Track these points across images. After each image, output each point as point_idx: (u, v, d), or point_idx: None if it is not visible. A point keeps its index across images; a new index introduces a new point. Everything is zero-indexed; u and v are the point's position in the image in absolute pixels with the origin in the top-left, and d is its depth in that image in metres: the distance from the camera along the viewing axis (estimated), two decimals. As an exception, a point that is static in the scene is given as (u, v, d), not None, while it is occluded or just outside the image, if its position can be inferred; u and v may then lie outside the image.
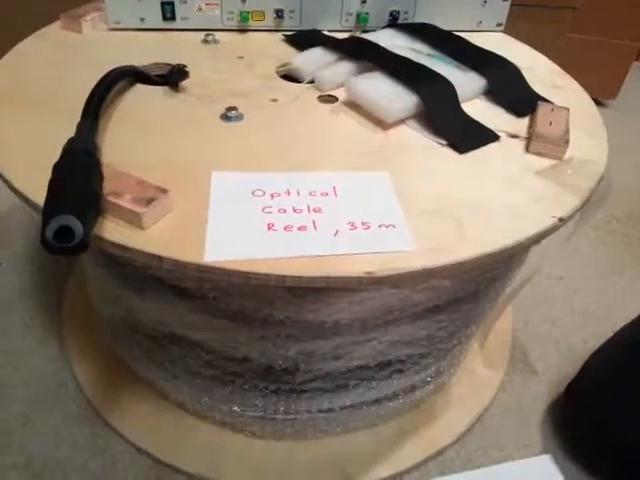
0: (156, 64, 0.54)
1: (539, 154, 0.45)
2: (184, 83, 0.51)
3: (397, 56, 0.52)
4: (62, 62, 0.53)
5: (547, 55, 0.65)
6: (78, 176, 0.33)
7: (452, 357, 0.55)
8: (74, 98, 0.44)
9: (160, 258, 0.33)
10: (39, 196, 0.35)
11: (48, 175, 0.34)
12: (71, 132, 0.40)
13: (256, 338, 0.42)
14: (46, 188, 0.32)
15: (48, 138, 0.41)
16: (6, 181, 0.38)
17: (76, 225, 0.28)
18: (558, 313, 0.77)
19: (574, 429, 0.60)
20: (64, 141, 0.38)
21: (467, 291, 0.44)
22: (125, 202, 0.34)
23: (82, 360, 0.61)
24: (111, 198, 0.34)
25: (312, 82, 0.53)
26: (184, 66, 0.50)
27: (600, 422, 0.55)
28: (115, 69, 0.46)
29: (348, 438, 0.56)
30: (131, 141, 0.42)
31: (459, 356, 0.57)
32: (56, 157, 0.36)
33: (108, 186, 0.35)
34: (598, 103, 0.56)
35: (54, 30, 0.60)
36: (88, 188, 0.32)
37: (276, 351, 0.44)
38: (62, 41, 0.57)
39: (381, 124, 0.47)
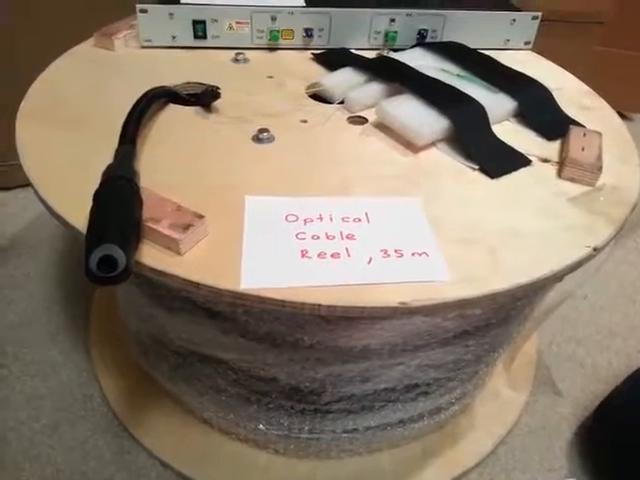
0: (188, 83, 0.55)
1: (571, 180, 0.45)
2: (216, 103, 0.51)
3: (427, 78, 0.53)
4: (96, 80, 0.54)
5: (574, 70, 0.64)
6: (119, 204, 0.33)
7: (477, 379, 0.55)
8: (109, 117, 0.46)
9: (197, 284, 0.34)
10: (77, 220, 0.36)
11: (86, 197, 0.35)
12: (107, 152, 0.41)
13: (285, 360, 0.43)
14: (87, 216, 0.33)
15: (86, 158, 0.42)
16: (45, 203, 0.39)
17: (119, 254, 0.29)
18: (582, 333, 0.76)
19: (603, 454, 0.59)
20: (101, 161, 0.39)
21: (497, 317, 0.44)
22: (163, 228, 0.35)
23: (108, 373, 0.62)
24: (150, 224, 0.35)
25: (342, 102, 0.54)
26: (217, 88, 0.51)
27: (633, 447, 0.54)
28: (150, 91, 0.47)
29: (371, 458, 0.56)
30: (165, 163, 0.43)
31: (484, 378, 0.57)
32: (93, 178, 0.37)
33: (146, 212, 0.36)
34: (623, 117, 0.55)
35: (87, 48, 0.61)
36: (129, 216, 0.33)
37: (304, 373, 0.44)
38: (95, 59, 0.58)
39: (412, 147, 0.47)
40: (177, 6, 0.59)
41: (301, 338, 0.40)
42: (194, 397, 0.54)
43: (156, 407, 0.58)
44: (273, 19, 0.61)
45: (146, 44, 0.61)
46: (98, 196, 0.34)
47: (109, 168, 0.36)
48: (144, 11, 0.59)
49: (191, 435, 0.56)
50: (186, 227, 0.35)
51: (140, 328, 0.56)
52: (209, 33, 0.61)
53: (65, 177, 0.41)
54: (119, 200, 0.34)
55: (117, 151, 0.39)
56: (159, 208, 0.36)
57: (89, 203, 0.35)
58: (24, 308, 0.71)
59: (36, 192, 0.40)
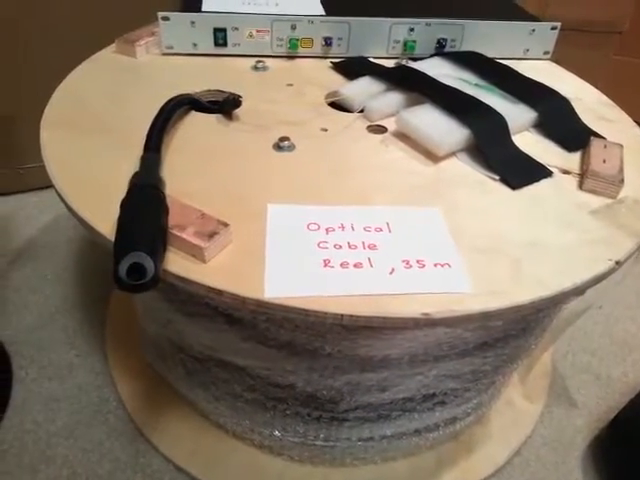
0: (209, 91, 0.55)
1: (593, 192, 0.44)
2: (237, 111, 0.52)
3: (446, 87, 0.53)
4: (118, 87, 0.55)
5: (593, 79, 0.64)
6: (146, 212, 0.34)
7: (494, 389, 0.55)
8: (132, 124, 0.46)
9: (220, 292, 0.34)
10: (104, 227, 0.37)
11: (111, 204, 0.36)
12: (131, 158, 0.41)
13: (304, 368, 0.43)
14: (114, 223, 0.33)
15: (110, 165, 0.43)
16: (71, 210, 0.39)
17: (148, 263, 0.29)
18: (597, 344, 0.75)
19: (618, 466, 0.58)
20: (125, 168, 0.39)
21: (516, 329, 0.44)
22: (188, 235, 0.35)
23: (124, 376, 0.63)
24: (175, 231, 0.35)
25: (361, 111, 0.54)
26: (238, 96, 0.51)
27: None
28: (173, 99, 0.48)
29: (386, 467, 0.56)
30: (188, 171, 0.44)
31: (500, 388, 0.57)
32: (118, 185, 0.38)
33: (171, 219, 0.36)
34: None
35: (108, 54, 0.62)
36: (157, 224, 0.33)
37: (322, 381, 0.44)
38: (117, 66, 0.59)
39: (432, 157, 0.47)
40: (199, 14, 0.60)
41: (321, 346, 0.40)
42: (210, 402, 0.55)
43: (171, 411, 0.59)
44: (293, 28, 0.62)
45: (167, 51, 0.61)
46: (125, 204, 0.34)
47: (135, 176, 0.37)
48: (166, 19, 0.59)
49: (206, 440, 0.57)
50: (211, 235, 0.35)
51: (157, 332, 0.56)
52: (229, 41, 0.62)
53: (90, 183, 0.42)
54: (146, 208, 0.34)
55: (142, 158, 0.39)
56: (183, 215, 0.37)
57: (115, 210, 0.35)
58: (41, 310, 0.71)
59: (62, 198, 0.41)
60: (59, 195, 0.41)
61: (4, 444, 0.57)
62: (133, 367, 0.64)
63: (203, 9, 0.61)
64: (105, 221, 0.37)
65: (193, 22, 0.60)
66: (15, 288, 0.75)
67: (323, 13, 0.63)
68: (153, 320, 0.55)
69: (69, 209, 0.40)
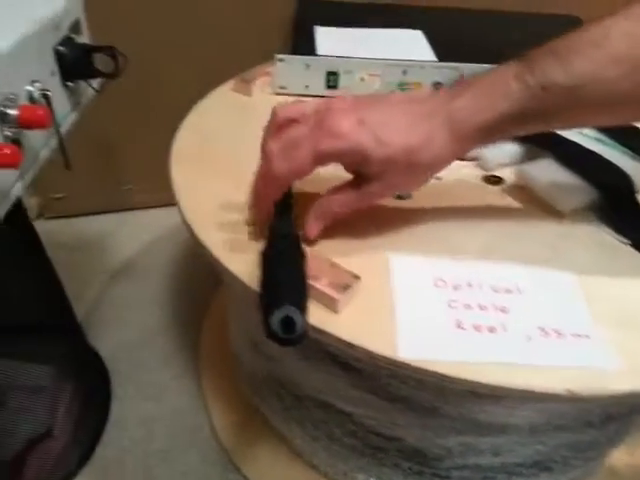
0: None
1: None
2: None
3: (567, 141, 0.51)
4: (237, 125, 0.57)
5: None
6: (291, 263, 0.35)
7: (602, 457, 0.52)
8: (252, 162, 0.48)
9: (353, 346, 0.34)
10: (239, 269, 0.38)
11: (239, 243, 0.39)
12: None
13: (417, 425, 0.42)
14: (260, 274, 0.34)
15: (237, 203, 0.45)
16: (204, 247, 0.41)
17: (298, 317, 0.30)
18: None
19: None
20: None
21: (645, 403, 0.41)
22: (323, 286, 0.36)
23: (217, 404, 0.64)
24: (310, 281, 0.36)
25: (473, 159, 0.53)
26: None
27: None
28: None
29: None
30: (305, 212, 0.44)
31: (608, 456, 0.54)
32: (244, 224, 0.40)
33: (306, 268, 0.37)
34: None
35: (225, 92, 0.64)
36: (300, 276, 0.34)
37: (434, 439, 0.43)
38: (234, 103, 0.62)
39: (554, 213, 0.46)
40: (314, 57, 0.62)
41: (441, 407, 0.39)
42: (304, 440, 0.55)
43: (264, 444, 0.59)
44: (404, 72, 0.62)
45: (279, 91, 0.64)
46: (269, 254, 0.35)
47: (274, 227, 0.38)
48: (282, 60, 0.62)
49: (297, 477, 0.57)
50: (345, 287, 0.36)
51: (254, 363, 0.57)
52: (341, 84, 0.63)
53: (219, 220, 0.44)
54: (290, 258, 0.35)
55: (277, 207, 0.40)
56: (315, 264, 0.37)
57: (245, 249, 0.39)
58: (139, 329, 0.75)
59: (194, 234, 0.43)
60: (189, 229, 0.43)
61: (105, 460, 0.59)
62: (226, 393, 0.65)
63: (318, 52, 0.63)
64: (240, 263, 0.39)
65: (308, 65, 0.62)
66: (116, 305, 0.78)
67: (435, 59, 0.63)
68: (252, 352, 0.56)
69: (201, 246, 0.42)
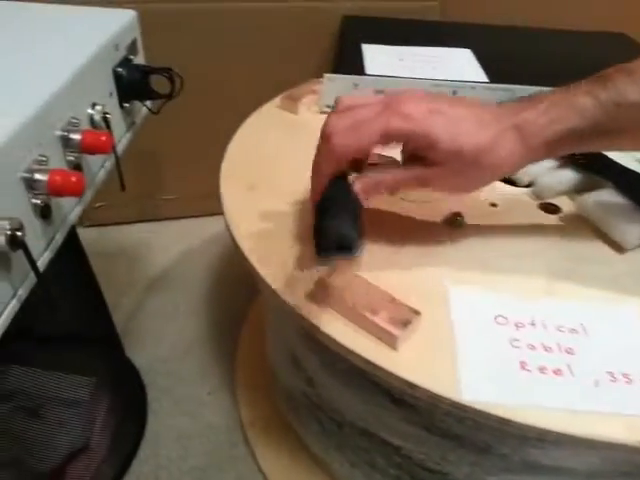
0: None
1: None
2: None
3: (627, 170, 0.50)
4: (283, 143, 0.57)
5: None
6: (343, 199, 0.36)
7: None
8: (300, 183, 0.47)
9: (413, 385, 0.33)
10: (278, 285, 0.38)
11: (287, 262, 0.40)
12: (296, 215, 0.45)
13: (468, 462, 0.41)
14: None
15: (284, 221, 0.45)
16: (252, 268, 0.41)
17: (349, 230, 0.31)
18: None
19: None
20: (292, 226, 0.44)
21: None
22: (381, 321, 0.35)
23: (253, 420, 0.64)
24: (367, 314, 0.35)
25: (527, 186, 0.52)
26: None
27: None
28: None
29: None
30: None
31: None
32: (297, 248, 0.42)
33: (361, 300, 0.36)
34: None
35: (272, 109, 0.64)
36: (354, 208, 0.35)
37: (483, 476, 0.42)
38: (281, 121, 0.61)
39: (617, 247, 0.44)
40: (362, 77, 0.61)
41: (496, 446, 0.38)
42: (343, 466, 0.54)
43: (300, 467, 0.59)
44: (454, 92, 0.61)
45: (326, 109, 0.63)
46: (322, 199, 0.36)
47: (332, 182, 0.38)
48: (331, 79, 0.61)
49: (335, 504, 0.56)
50: (405, 323, 0.35)
51: (292, 381, 0.56)
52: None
53: (263, 236, 0.44)
54: (342, 197, 0.36)
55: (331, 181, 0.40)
56: (373, 297, 0.37)
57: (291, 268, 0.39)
58: (174, 342, 0.75)
59: (241, 253, 0.43)
60: (234, 242, 0.44)
61: (141, 476, 0.59)
62: (262, 410, 0.64)
63: (366, 70, 0.63)
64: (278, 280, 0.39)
65: (356, 84, 0.61)
66: (151, 316, 0.79)
67: (485, 79, 0.62)
68: (295, 375, 0.55)
69: (244, 259, 0.42)
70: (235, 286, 0.82)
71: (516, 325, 0.37)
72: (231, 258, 0.87)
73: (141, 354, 0.72)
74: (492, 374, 0.34)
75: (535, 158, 0.38)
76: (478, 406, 0.32)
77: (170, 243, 0.92)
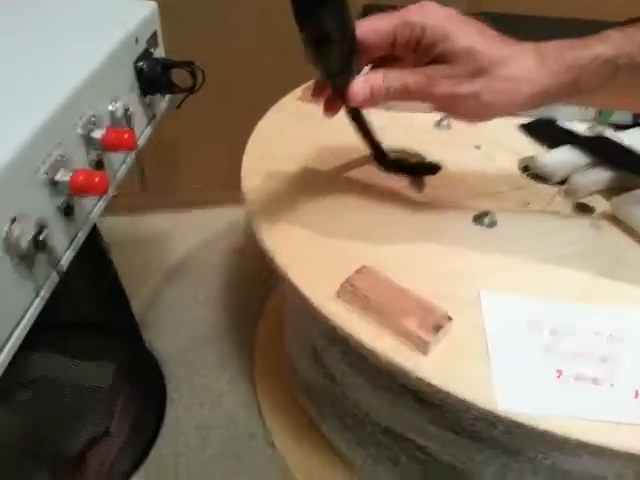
0: (393, 150, 0.54)
1: None
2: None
3: (665, 167, 0.48)
4: (305, 136, 0.55)
5: None
6: None
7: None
8: (319, 175, 0.48)
9: (447, 394, 0.32)
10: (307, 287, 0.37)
11: (307, 254, 0.38)
12: (320, 206, 0.42)
13: (498, 464, 0.40)
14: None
15: (305, 210, 0.45)
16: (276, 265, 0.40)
17: None
18: None
19: None
20: (316, 221, 0.43)
21: None
22: (411, 325, 0.34)
23: (273, 413, 0.63)
24: (397, 319, 0.34)
25: (560, 183, 0.50)
26: (437, 164, 0.50)
27: None
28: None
29: None
30: (383, 237, 0.43)
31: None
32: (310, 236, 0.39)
33: (390, 302, 0.35)
34: None
35: (293, 101, 0.63)
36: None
37: (512, 478, 0.41)
38: (303, 113, 0.60)
39: (655, 249, 0.43)
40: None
41: (527, 451, 0.37)
42: (364, 461, 0.53)
43: (321, 457, 0.58)
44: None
45: (349, 100, 0.61)
46: None
47: None
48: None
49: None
50: (436, 328, 0.34)
51: (312, 374, 0.56)
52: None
53: (285, 226, 0.44)
54: None
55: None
56: (402, 300, 0.36)
57: (310, 260, 0.40)
58: (193, 332, 0.75)
59: (265, 249, 0.42)
60: (260, 244, 0.43)
61: (161, 462, 0.59)
62: (281, 401, 0.64)
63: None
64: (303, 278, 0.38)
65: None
66: (169, 305, 0.79)
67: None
68: (316, 370, 0.54)
69: (274, 265, 0.41)
70: (253, 275, 0.82)
71: (551, 331, 0.36)
72: (249, 247, 0.86)
73: (160, 344, 0.72)
74: (527, 383, 0.33)
75: (557, 85, 0.34)
76: (514, 416, 0.31)
77: (188, 232, 0.91)
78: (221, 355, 0.72)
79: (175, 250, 0.88)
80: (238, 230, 0.90)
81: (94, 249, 0.62)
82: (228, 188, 0.79)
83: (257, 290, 0.78)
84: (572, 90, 0.35)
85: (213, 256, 0.86)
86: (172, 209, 0.95)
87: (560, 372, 0.33)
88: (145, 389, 0.67)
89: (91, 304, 0.68)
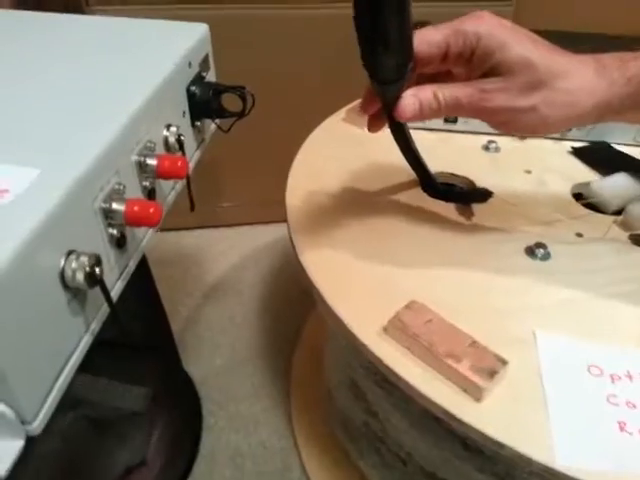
0: (441, 173, 0.53)
1: None
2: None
3: None
4: (349, 159, 0.54)
5: None
6: None
7: None
8: (365, 197, 0.48)
9: (501, 445, 0.30)
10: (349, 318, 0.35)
11: (349, 283, 0.38)
12: (362, 233, 0.42)
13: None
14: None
15: (347, 235, 0.44)
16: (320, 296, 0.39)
17: None
18: None
19: None
20: (361, 249, 0.42)
21: None
22: (465, 370, 0.32)
23: (309, 444, 0.62)
24: (449, 362, 0.33)
25: (616, 213, 0.48)
26: (488, 190, 0.48)
27: None
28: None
29: None
30: (429, 269, 0.41)
31: None
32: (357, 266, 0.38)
33: (442, 344, 0.34)
34: None
35: (337, 122, 0.62)
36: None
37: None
38: (347, 136, 0.59)
39: None
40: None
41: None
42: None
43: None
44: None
45: (394, 123, 0.61)
46: None
47: None
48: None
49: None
50: (491, 373, 0.32)
51: (353, 412, 0.54)
52: (460, 117, 0.59)
53: (327, 252, 0.43)
54: None
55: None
56: (455, 342, 0.34)
57: (351, 288, 0.38)
58: (229, 355, 0.74)
59: (308, 277, 0.41)
60: (303, 272, 0.42)
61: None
62: (318, 434, 0.62)
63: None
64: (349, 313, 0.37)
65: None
66: (207, 326, 0.78)
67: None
68: (358, 408, 0.53)
69: (317, 295, 0.40)
70: (291, 297, 0.81)
71: (611, 377, 0.34)
72: (287, 268, 0.86)
73: (197, 365, 0.72)
74: (588, 436, 0.30)
75: (617, 97, 0.33)
76: (573, 473, 0.29)
77: (227, 250, 0.91)
78: (258, 380, 0.71)
79: (214, 268, 0.88)
80: (276, 249, 0.90)
81: (140, 271, 0.63)
82: (267, 206, 0.79)
83: (294, 312, 0.77)
84: (634, 104, 0.33)
85: (251, 275, 0.86)
86: (211, 227, 0.96)
87: (623, 424, 0.31)
88: (182, 413, 0.67)
89: (132, 322, 0.69)
